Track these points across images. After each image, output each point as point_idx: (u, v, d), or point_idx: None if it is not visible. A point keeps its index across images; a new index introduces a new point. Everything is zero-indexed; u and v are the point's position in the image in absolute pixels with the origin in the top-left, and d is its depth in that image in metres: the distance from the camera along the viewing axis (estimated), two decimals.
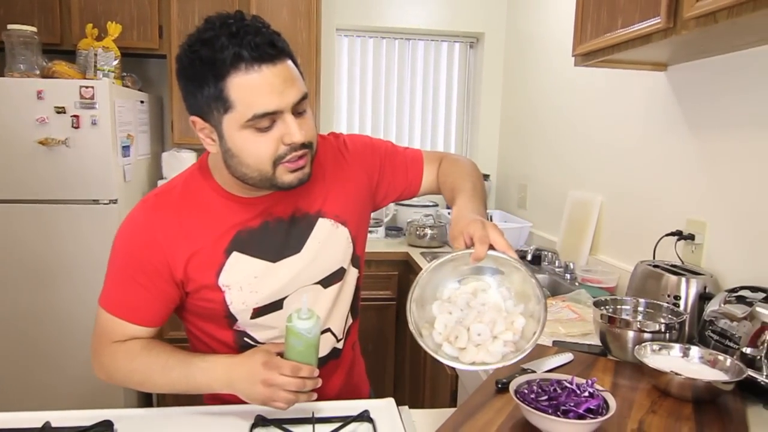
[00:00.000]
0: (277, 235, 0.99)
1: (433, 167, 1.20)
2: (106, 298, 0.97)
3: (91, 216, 2.29)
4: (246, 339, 1.03)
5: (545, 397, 0.89)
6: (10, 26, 2.24)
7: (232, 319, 1.00)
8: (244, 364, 0.91)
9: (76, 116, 2.20)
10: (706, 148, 1.51)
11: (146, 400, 2.66)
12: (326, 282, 1.06)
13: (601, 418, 0.83)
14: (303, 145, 0.89)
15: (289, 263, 1.01)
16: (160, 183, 2.57)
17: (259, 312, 1.00)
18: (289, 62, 0.87)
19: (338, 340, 1.12)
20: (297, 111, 0.88)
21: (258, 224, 0.98)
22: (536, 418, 0.85)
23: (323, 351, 1.08)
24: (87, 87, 2.20)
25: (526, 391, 0.91)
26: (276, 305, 1.01)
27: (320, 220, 1.03)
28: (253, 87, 0.83)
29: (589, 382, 0.91)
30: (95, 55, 2.36)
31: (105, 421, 0.91)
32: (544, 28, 2.62)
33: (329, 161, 1.08)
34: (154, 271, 0.94)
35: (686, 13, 1.07)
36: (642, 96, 1.80)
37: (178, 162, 2.69)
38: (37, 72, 2.28)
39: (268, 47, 0.83)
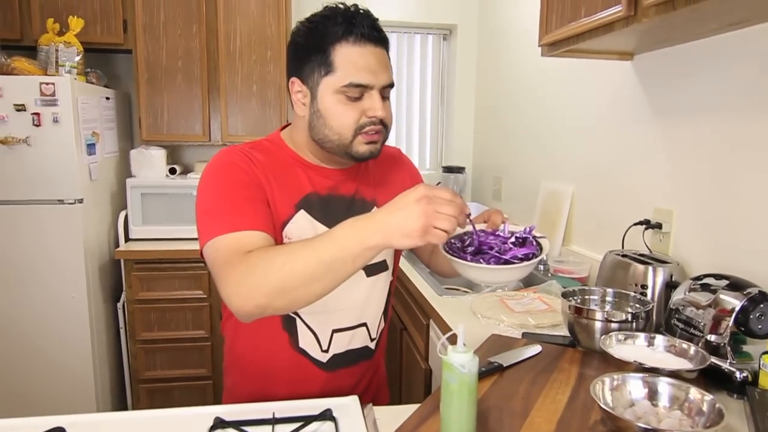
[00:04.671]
0: (339, 209, 1.06)
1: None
2: (215, 228, 0.92)
3: (56, 216, 2.22)
4: (291, 314, 1.06)
5: (472, 248, 0.95)
6: None
7: None
8: (401, 196, 0.83)
9: (37, 114, 2.14)
10: (671, 137, 1.51)
11: (119, 404, 2.61)
12: (369, 270, 1.10)
13: (527, 262, 0.89)
14: (382, 123, 0.99)
15: None
16: (129, 181, 2.52)
17: None
18: (386, 52, 0.99)
19: (372, 340, 1.15)
20: (383, 95, 0.98)
21: (325, 194, 1.06)
22: (457, 264, 0.92)
23: (356, 344, 1.11)
24: (47, 83, 2.13)
25: (453, 241, 0.97)
26: None
27: (375, 208, 1.10)
28: (356, 58, 0.94)
29: (527, 229, 0.98)
30: (56, 50, 2.28)
31: (56, 428, 0.87)
32: (516, 19, 2.62)
33: (388, 162, 1.17)
34: (257, 186, 0.98)
35: (646, 0, 1.06)
36: (610, 86, 1.80)
37: (147, 159, 2.61)
38: None
39: (375, 31, 0.96)
